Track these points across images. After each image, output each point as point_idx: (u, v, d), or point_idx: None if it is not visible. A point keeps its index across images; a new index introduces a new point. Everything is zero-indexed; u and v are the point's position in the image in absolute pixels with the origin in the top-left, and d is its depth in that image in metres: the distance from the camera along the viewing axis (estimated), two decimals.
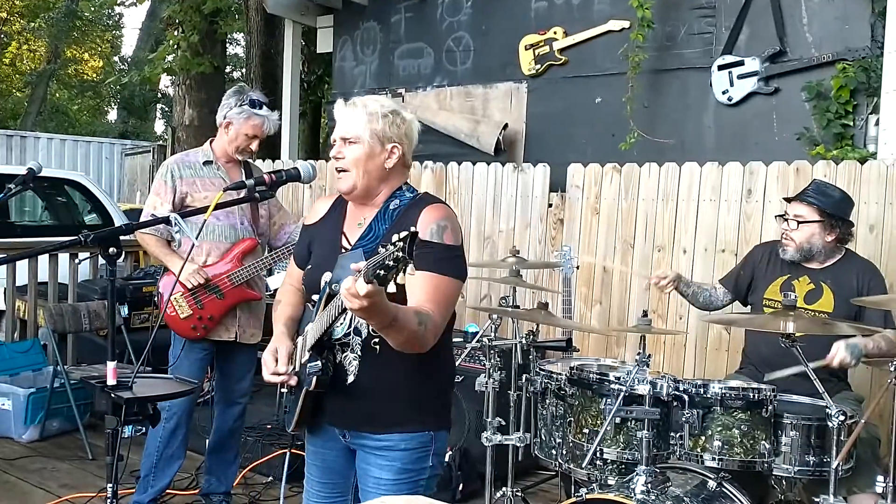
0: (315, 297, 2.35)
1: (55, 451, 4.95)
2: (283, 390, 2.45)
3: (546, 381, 3.31)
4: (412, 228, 1.79)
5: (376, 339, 2.21)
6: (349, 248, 2.34)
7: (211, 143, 3.94)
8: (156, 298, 3.97)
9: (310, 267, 2.42)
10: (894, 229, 4.18)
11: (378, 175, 2.31)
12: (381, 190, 2.35)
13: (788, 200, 3.61)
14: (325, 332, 2.23)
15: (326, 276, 2.31)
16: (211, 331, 3.84)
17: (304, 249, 2.49)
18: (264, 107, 3.88)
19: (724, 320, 3.51)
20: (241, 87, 3.95)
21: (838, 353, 3.09)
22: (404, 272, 1.80)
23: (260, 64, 9.83)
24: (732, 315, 3.45)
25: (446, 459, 4.35)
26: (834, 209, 3.48)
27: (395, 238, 1.78)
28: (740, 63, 5.11)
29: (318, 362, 2.23)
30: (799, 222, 3.46)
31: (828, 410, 2.76)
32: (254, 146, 3.87)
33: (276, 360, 2.32)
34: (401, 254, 1.76)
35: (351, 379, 2.27)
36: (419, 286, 2.15)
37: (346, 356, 2.27)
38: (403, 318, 2.04)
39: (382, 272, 1.78)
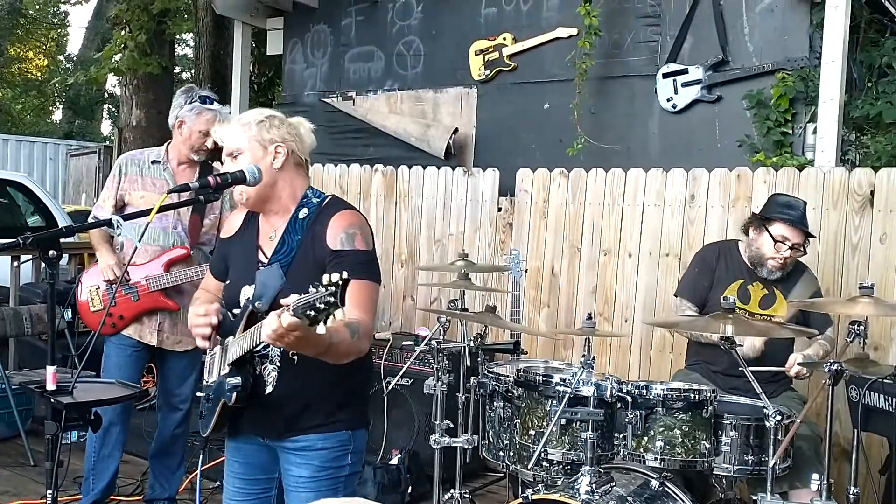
0: (236, 311, 2.35)
1: None
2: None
3: (494, 383, 3.33)
4: (344, 274, 1.80)
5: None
6: (265, 262, 2.36)
7: (168, 144, 3.90)
8: (76, 288, 3.88)
9: (229, 282, 2.44)
10: (830, 234, 4.31)
11: (269, 178, 2.33)
12: (282, 195, 2.36)
13: (786, 223, 3.51)
14: (248, 352, 2.23)
15: (246, 291, 2.33)
16: (121, 329, 3.77)
17: (221, 262, 2.52)
18: (215, 102, 3.83)
19: (668, 323, 3.57)
20: (190, 87, 3.91)
21: (796, 366, 3.27)
22: (334, 317, 1.81)
23: (209, 65, 9.69)
24: (675, 318, 3.51)
25: (394, 462, 4.39)
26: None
27: (326, 280, 1.79)
28: (684, 71, 5.21)
29: (239, 378, 2.23)
30: (804, 248, 3.56)
31: (765, 411, 2.83)
32: (209, 143, 3.76)
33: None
34: (332, 298, 1.78)
35: (269, 390, 2.29)
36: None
37: (265, 367, 2.30)
38: (337, 338, 2.07)
39: (312, 312, 1.80)
